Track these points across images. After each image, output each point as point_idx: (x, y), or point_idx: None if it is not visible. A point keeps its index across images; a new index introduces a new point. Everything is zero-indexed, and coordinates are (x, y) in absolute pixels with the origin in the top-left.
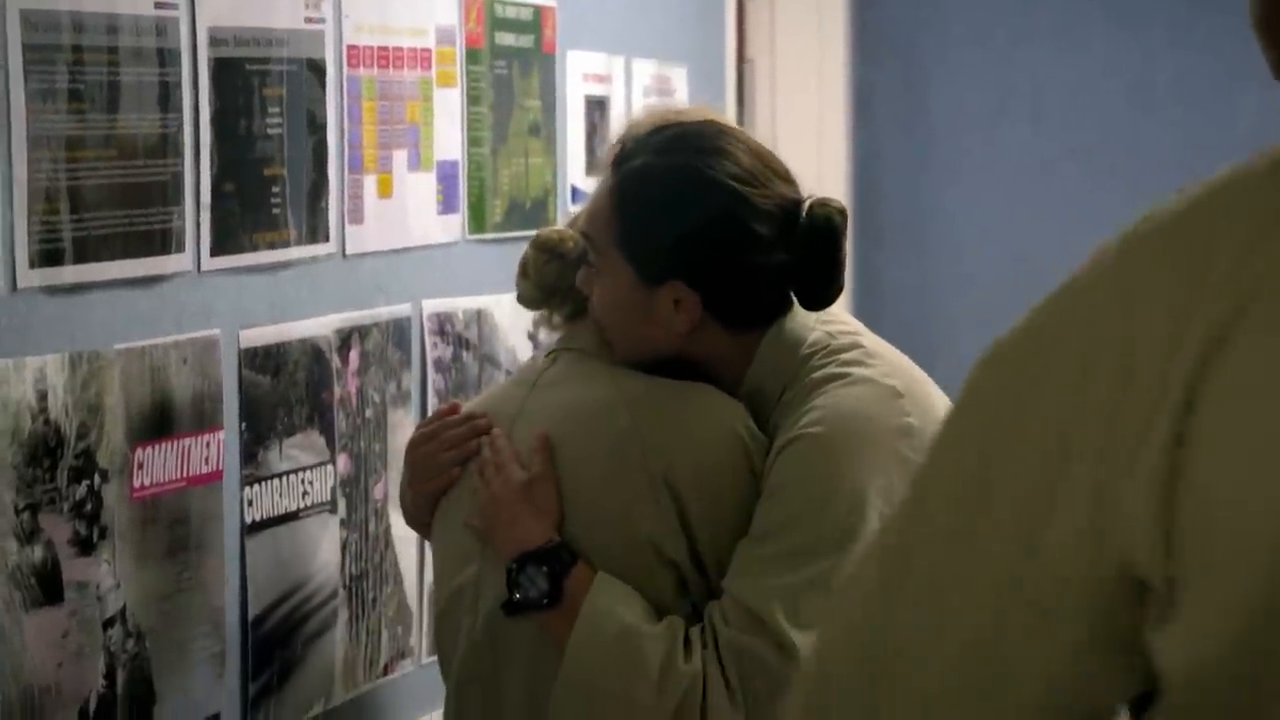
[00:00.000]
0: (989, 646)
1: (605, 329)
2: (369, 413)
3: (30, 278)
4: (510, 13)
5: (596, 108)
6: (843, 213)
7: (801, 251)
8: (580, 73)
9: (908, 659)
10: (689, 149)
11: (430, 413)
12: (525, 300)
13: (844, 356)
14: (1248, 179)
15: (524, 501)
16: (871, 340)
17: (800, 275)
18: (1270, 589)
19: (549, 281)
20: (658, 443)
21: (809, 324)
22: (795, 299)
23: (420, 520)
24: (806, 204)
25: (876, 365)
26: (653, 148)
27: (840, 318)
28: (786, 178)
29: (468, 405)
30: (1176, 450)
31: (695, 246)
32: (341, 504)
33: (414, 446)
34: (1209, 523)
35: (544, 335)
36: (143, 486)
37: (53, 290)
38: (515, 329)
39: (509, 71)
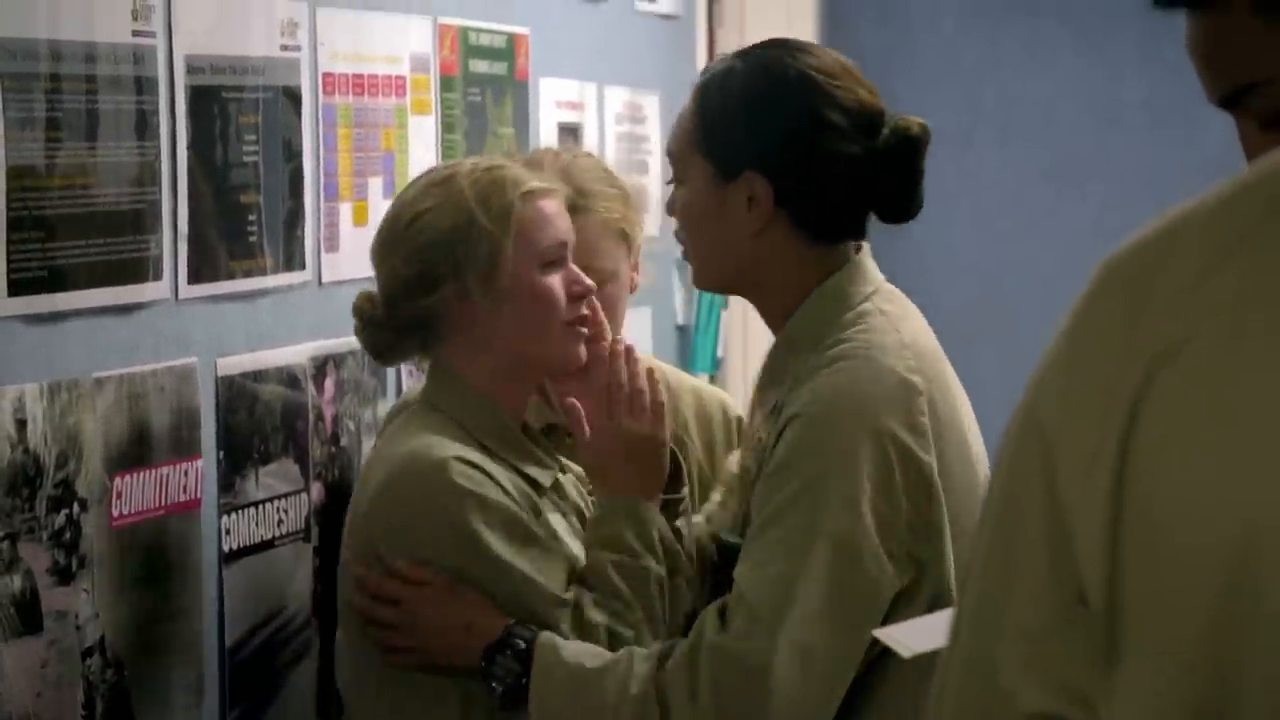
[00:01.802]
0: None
1: (686, 246)
2: (344, 440)
3: (8, 306)
4: (484, 40)
5: (569, 135)
6: (923, 126)
7: (882, 160)
8: (553, 100)
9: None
10: (772, 47)
11: None
12: (377, 361)
13: (877, 339)
14: (1201, 211)
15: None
16: (913, 332)
17: (880, 186)
18: (1208, 613)
19: (369, 344)
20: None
21: (865, 292)
22: (862, 250)
23: None
24: (889, 119)
25: (904, 359)
26: (736, 55)
27: (905, 308)
28: (871, 90)
29: None
30: (1121, 472)
31: (769, 132)
32: (315, 532)
33: None
34: (1150, 542)
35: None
36: (122, 515)
37: (31, 319)
38: None
39: (482, 99)
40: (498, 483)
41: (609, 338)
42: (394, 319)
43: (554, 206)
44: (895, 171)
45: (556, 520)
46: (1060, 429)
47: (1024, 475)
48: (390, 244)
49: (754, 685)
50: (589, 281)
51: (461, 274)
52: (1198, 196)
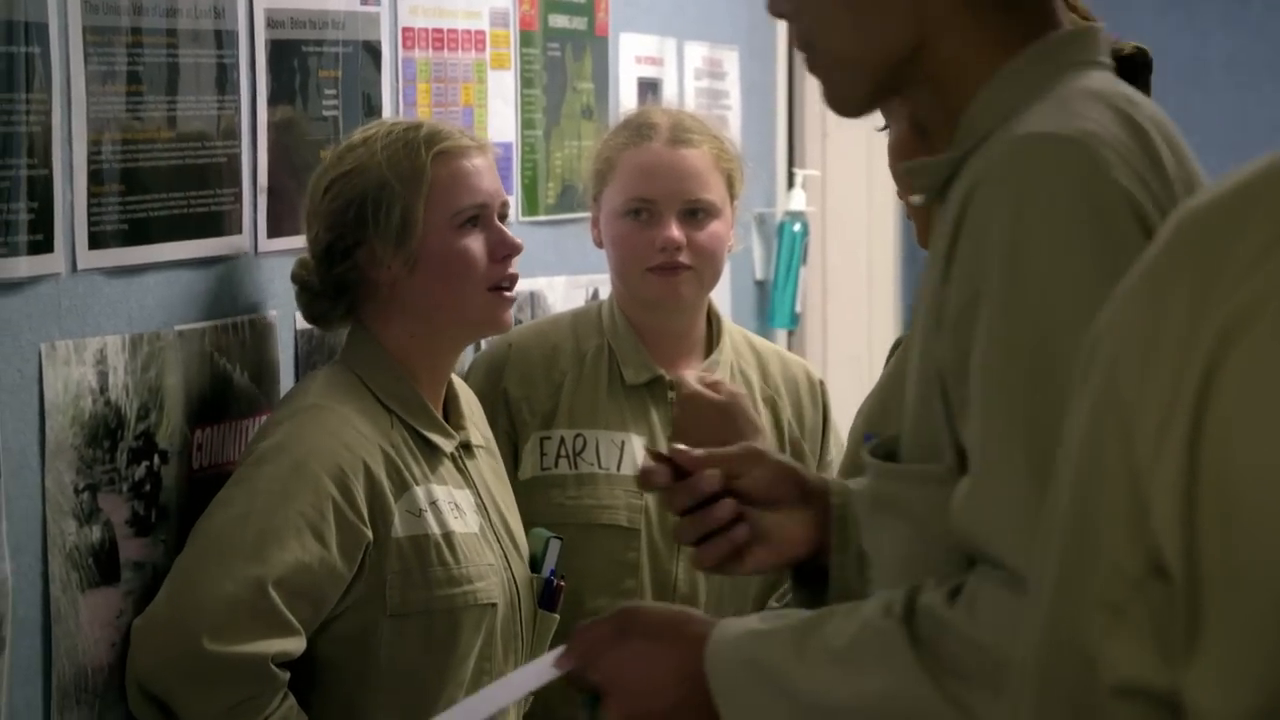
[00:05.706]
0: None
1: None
2: None
3: (89, 259)
4: None
5: (649, 90)
6: (1140, 49)
7: None
8: (632, 55)
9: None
10: None
11: None
12: (314, 326)
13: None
14: (1276, 169)
15: None
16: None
17: None
18: None
19: (304, 311)
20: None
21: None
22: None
23: None
24: None
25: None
26: None
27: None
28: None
29: None
30: (1195, 441)
31: None
32: None
33: None
34: (1226, 514)
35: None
36: (201, 467)
37: (112, 271)
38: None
39: (562, 54)
40: (366, 461)
41: None
42: (323, 284)
43: (473, 165)
44: None
45: (440, 491)
46: (1133, 395)
47: (1099, 441)
48: (312, 211)
49: None
50: (515, 240)
51: (374, 239)
52: (1275, 152)
